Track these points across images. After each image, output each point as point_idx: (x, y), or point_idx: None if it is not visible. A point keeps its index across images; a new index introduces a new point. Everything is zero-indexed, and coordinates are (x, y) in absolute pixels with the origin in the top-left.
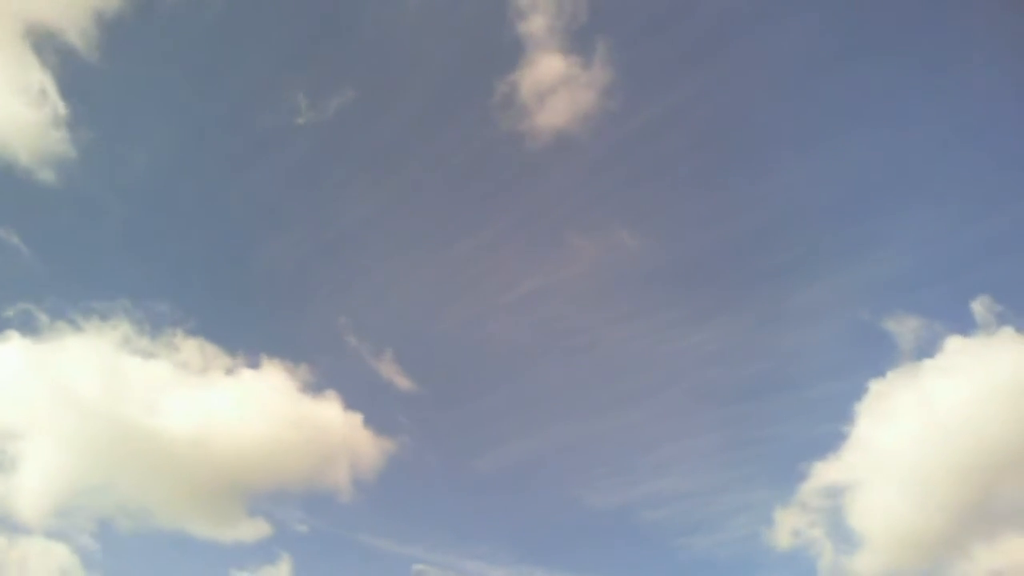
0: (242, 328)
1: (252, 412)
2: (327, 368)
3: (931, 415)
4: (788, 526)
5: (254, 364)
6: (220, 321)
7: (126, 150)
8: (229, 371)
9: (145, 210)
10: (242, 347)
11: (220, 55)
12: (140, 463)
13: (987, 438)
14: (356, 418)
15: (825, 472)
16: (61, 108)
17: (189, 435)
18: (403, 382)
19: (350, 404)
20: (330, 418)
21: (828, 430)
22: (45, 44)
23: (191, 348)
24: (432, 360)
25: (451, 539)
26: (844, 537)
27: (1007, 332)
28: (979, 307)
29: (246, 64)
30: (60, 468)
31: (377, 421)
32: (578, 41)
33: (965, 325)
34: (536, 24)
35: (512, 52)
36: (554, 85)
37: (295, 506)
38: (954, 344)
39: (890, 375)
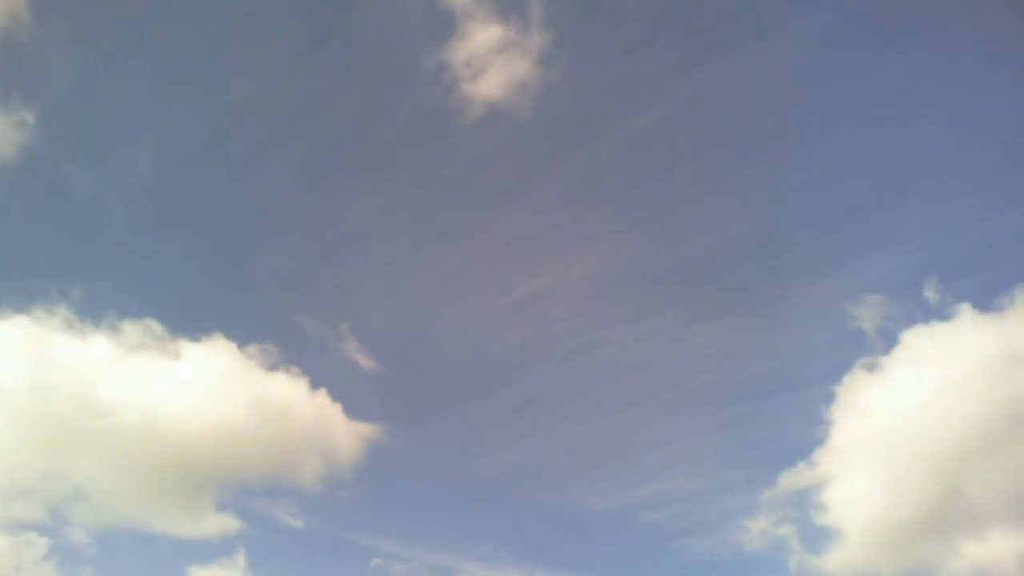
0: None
1: (225, 399)
2: (321, 369)
3: (915, 407)
4: (788, 526)
5: (232, 351)
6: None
7: (64, 134)
8: (181, 354)
9: (89, 195)
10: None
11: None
12: (91, 451)
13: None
14: (338, 412)
15: (823, 472)
16: None
17: (144, 421)
18: (401, 384)
19: (334, 398)
20: (314, 410)
21: (829, 429)
22: None
23: (143, 330)
24: (429, 361)
25: (451, 541)
26: (841, 536)
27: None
28: (931, 292)
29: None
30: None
31: (365, 416)
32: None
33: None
34: None
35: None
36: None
37: (267, 499)
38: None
39: (878, 370)
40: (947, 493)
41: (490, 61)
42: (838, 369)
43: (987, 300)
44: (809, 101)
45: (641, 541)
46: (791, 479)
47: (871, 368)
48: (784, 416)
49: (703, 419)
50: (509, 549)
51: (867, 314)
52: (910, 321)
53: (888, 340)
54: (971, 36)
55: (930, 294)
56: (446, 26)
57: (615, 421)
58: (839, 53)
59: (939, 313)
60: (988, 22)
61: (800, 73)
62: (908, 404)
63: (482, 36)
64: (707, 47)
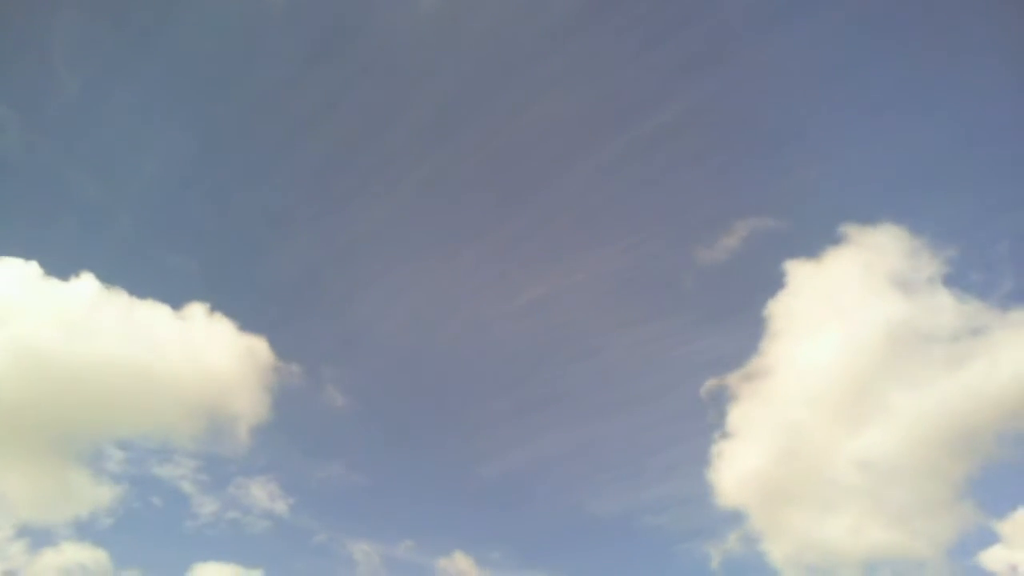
0: None
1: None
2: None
3: None
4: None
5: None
6: None
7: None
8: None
9: None
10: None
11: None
12: None
13: None
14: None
15: None
16: None
17: None
18: (400, 386)
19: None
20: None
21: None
22: None
23: None
24: (434, 366)
25: (454, 543)
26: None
27: None
28: None
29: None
30: None
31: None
32: None
33: None
34: None
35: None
36: None
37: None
38: None
39: None
40: None
41: None
42: None
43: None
44: (812, 105)
45: (643, 545)
46: None
47: None
48: None
49: (705, 422)
50: (512, 552)
51: None
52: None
53: None
54: (972, 38)
55: None
56: None
57: (618, 425)
58: (841, 57)
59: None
60: (991, 23)
61: (800, 78)
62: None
63: None
64: (718, 49)
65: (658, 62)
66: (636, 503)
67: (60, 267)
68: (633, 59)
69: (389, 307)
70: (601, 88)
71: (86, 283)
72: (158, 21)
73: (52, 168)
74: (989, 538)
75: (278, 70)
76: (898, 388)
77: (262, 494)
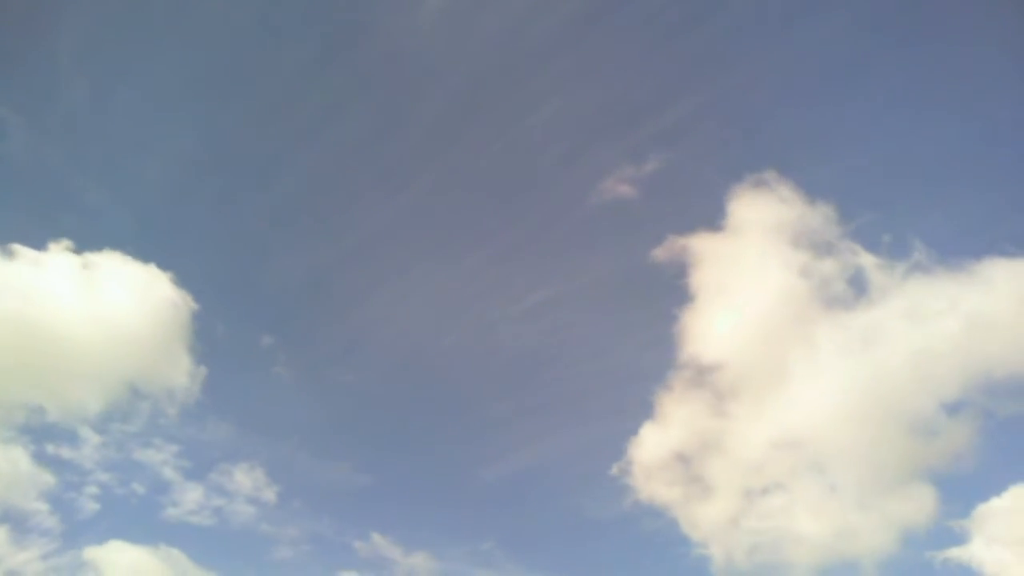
0: None
1: None
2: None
3: None
4: None
5: None
6: None
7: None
8: None
9: None
10: None
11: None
12: None
13: None
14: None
15: None
16: None
17: None
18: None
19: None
20: None
21: None
22: None
23: None
24: (438, 368)
25: (454, 544)
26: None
27: None
28: None
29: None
30: None
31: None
32: None
33: None
34: None
35: None
36: None
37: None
38: None
39: None
40: None
41: None
42: None
43: None
44: (818, 106)
45: (645, 547)
46: None
47: None
48: None
49: None
50: (512, 554)
51: None
52: None
53: None
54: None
55: None
56: None
57: (619, 427)
58: (846, 58)
59: None
60: (992, 24)
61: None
62: None
63: None
64: (723, 51)
65: (666, 63)
66: (636, 505)
67: None
68: (640, 59)
69: (393, 309)
70: (607, 90)
71: None
72: (165, 23)
73: (57, 171)
74: (950, 536)
75: (284, 72)
76: (826, 360)
77: (245, 481)
